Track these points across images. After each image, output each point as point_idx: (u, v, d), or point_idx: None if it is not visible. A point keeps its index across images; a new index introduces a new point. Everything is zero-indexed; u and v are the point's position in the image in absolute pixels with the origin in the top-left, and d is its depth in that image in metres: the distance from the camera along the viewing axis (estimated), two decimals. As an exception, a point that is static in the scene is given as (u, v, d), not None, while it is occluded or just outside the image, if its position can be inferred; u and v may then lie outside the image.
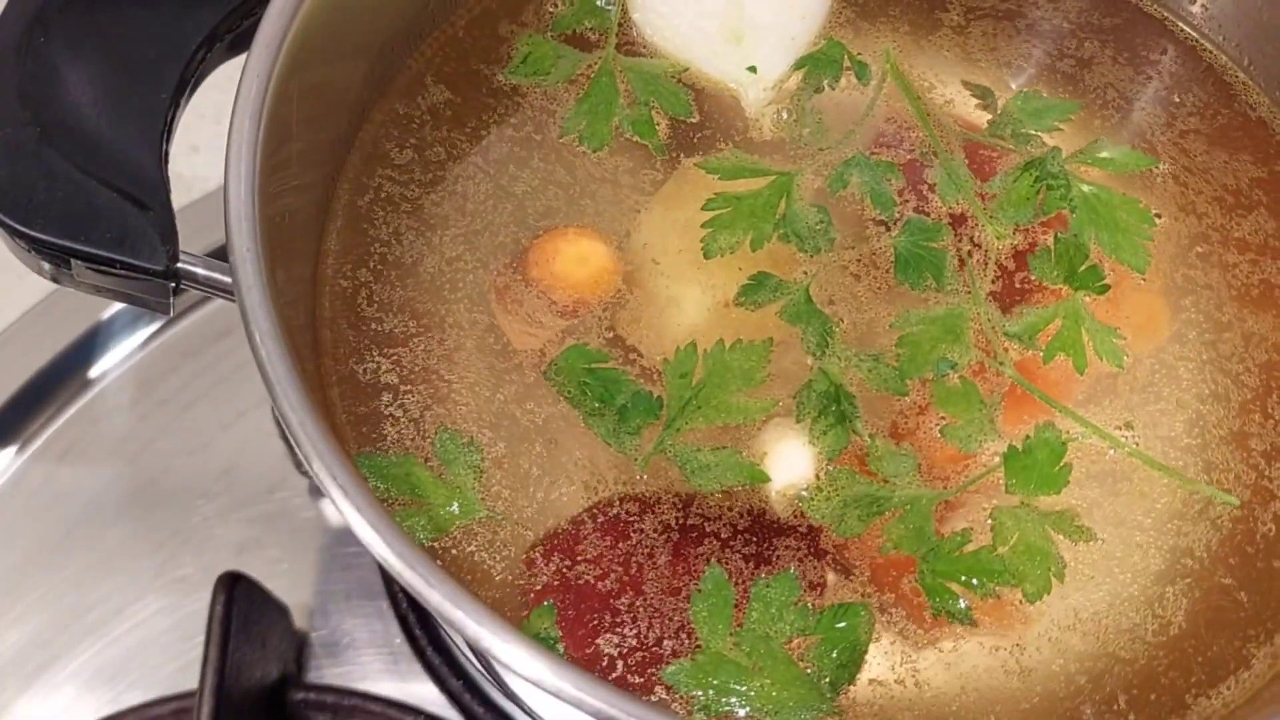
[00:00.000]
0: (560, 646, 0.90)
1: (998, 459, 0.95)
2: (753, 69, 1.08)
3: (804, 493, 0.94)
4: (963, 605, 0.91)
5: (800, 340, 0.98)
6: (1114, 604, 0.95)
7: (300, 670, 1.20)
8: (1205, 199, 1.09)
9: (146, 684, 1.20)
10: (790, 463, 0.94)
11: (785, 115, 1.08)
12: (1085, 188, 1.04)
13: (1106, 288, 1.01)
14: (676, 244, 1.01)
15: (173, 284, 0.91)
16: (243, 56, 0.90)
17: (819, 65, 1.10)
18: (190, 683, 1.09)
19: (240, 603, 1.10)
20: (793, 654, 0.88)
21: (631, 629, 0.91)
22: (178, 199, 0.90)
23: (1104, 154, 1.08)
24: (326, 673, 1.21)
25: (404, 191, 1.04)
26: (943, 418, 0.97)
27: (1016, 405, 0.98)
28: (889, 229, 1.03)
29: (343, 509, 0.77)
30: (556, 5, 1.12)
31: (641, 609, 0.91)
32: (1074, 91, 1.13)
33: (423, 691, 1.19)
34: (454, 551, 0.93)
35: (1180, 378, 1.02)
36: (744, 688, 0.87)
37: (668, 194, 1.04)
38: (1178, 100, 1.14)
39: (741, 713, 0.87)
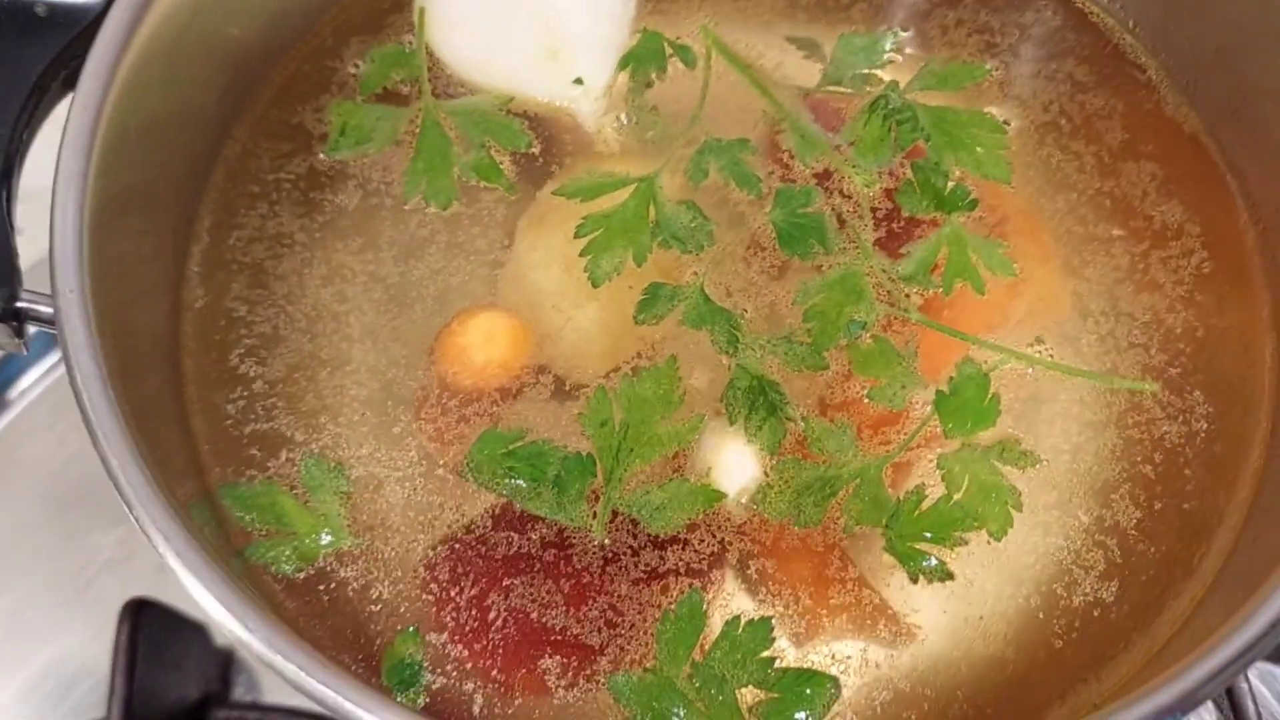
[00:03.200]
0: (424, 674, 0.89)
1: (929, 408, 0.94)
2: (579, 81, 1.05)
3: (757, 494, 0.92)
4: (934, 562, 0.91)
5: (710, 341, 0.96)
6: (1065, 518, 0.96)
7: (227, 687, 1.18)
8: (1047, 98, 1.09)
9: (75, 711, 1.19)
10: (737, 467, 0.92)
11: (625, 120, 1.05)
12: (932, 113, 1.03)
13: (975, 203, 1.01)
14: (559, 280, 0.98)
15: (15, 323, 0.88)
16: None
17: (642, 60, 1.08)
18: (118, 709, 1.08)
19: (148, 628, 1.08)
20: (743, 702, 0.86)
21: (522, 644, 0.89)
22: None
23: (936, 74, 1.08)
24: (264, 685, 1.19)
25: (260, 246, 1.01)
26: (866, 382, 0.95)
27: (932, 350, 0.98)
28: (762, 206, 1.01)
29: (165, 556, 0.77)
30: (358, 65, 1.07)
31: (535, 622, 0.90)
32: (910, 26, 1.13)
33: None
34: (324, 580, 0.91)
35: (1072, 277, 1.03)
36: None
37: (531, 230, 1.00)
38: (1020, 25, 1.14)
39: None
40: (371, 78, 1.06)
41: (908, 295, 0.98)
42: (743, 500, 0.92)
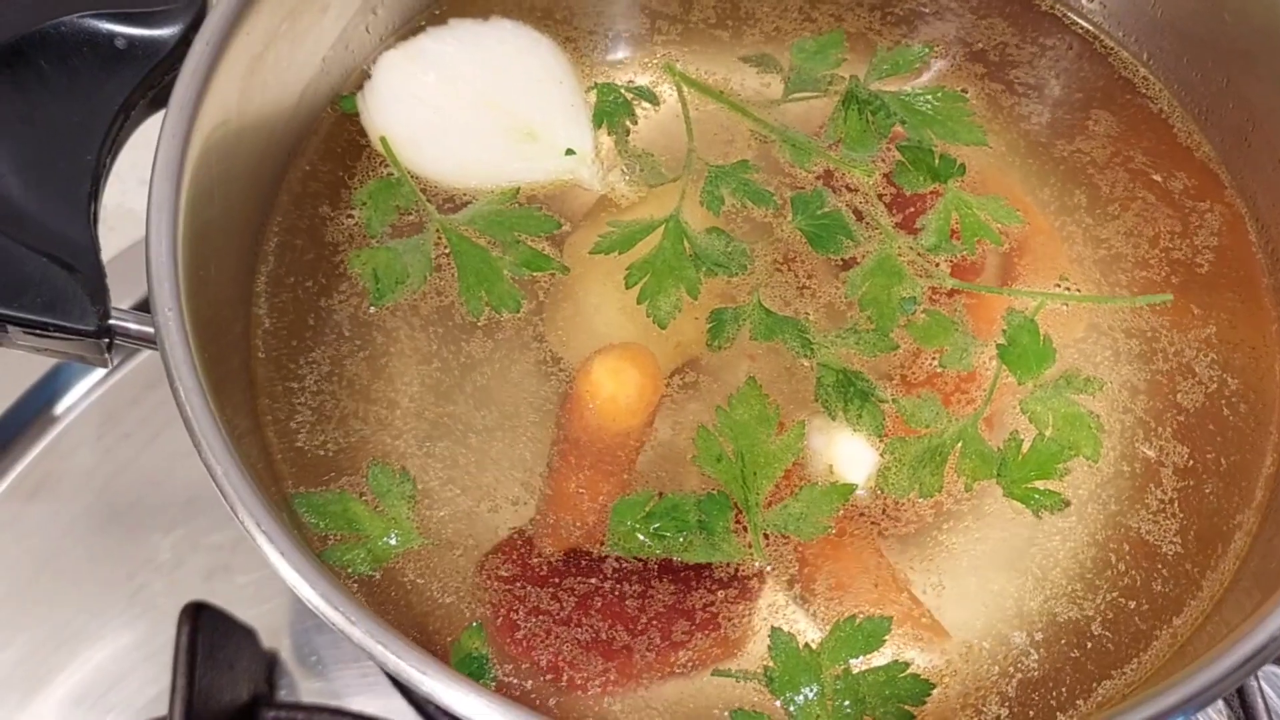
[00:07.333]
0: (491, 666, 0.92)
1: (995, 362, 1.00)
2: (570, 151, 1.07)
3: (879, 477, 0.96)
4: (1045, 490, 0.96)
5: (785, 347, 1.00)
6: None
7: (272, 689, 1.23)
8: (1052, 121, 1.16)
9: (125, 712, 1.22)
10: (856, 457, 0.96)
11: (627, 170, 1.08)
12: (895, 98, 1.10)
13: (963, 169, 1.08)
14: (616, 325, 1.01)
15: (106, 340, 0.91)
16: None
17: (609, 113, 1.11)
18: (165, 708, 1.12)
19: (205, 631, 1.12)
20: None
21: (583, 643, 0.93)
22: (132, 234, 0.91)
23: (887, 63, 1.14)
24: (302, 688, 1.23)
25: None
26: (933, 353, 1.00)
27: (977, 311, 1.03)
28: (782, 216, 1.05)
29: (268, 555, 0.80)
30: (352, 214, 1.07)
31: (588, 620, 0.93)
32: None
33: (393, 705, 1.22)
34: (395, 580, 0.95)
35: (1069, 213, 1.10)
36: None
37: (577, 285, 1.04)
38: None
39: None
40: (374, 220, 1.06)
41: (936, 265, 1.03)
42: (868, 486, 0.96)
